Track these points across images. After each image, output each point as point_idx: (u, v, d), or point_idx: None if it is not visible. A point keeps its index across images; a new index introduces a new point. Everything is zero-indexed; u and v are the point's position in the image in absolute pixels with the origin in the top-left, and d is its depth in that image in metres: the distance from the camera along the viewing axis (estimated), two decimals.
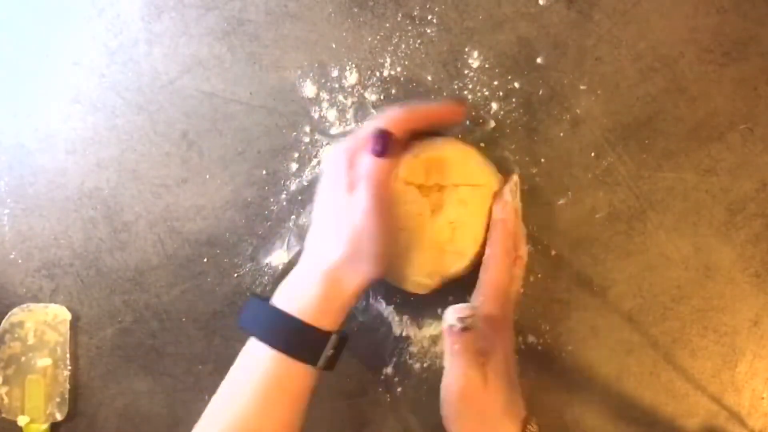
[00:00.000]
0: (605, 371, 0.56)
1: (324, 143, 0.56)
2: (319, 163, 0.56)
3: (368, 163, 0.45)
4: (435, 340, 0.57)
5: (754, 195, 0.56)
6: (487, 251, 0.50)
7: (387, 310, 0.56)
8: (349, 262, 0.45)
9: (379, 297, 0.56)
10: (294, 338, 0.45)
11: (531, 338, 0.56)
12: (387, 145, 0.45)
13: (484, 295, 0.49)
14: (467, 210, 0.51)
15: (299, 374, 0.45)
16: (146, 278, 0.56)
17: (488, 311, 0.48)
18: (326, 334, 0.45)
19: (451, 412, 0.48)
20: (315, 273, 0.46)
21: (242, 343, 0.56)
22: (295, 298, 0.46)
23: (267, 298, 0.47)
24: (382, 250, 0.46)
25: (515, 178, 0.51)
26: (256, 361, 0.45)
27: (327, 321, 0.45)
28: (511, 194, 0.51)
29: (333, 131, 0.56)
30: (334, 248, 0.45)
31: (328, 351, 0.45)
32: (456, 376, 0.48)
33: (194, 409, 0.56)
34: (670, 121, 0.56)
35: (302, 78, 0.56)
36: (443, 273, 0.51)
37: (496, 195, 0.51)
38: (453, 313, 0.48)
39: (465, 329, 0.47)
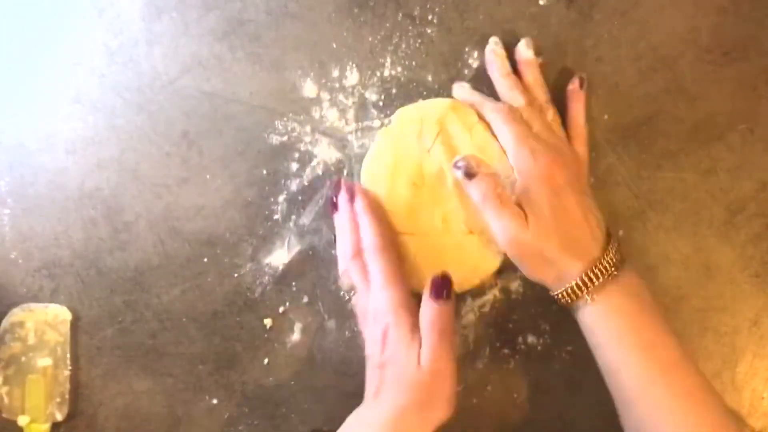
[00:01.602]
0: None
1: (324, 142, 0.56)
2: (319, 163, 0.56)
3: (431, 311, 0.47)
4: None
5: (754, 195, 0.56)
6: (490, 109, 0.52)
7: None
8: (419, 409, 0.45)
9: None
10: None
11: (531, 338, 0.56)
12: (447, 290, 0.47)
13: (507, 151, 0.51)
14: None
15: None
16: (146, 278, 0.56)
17: (513, 159, 0.50)
18: None
19: (512, 258, 0.50)
20: (382, 423, 0.44)
21: (242, 343, 0.56)
22: None
23: None
24: (453, 390, 0.46)
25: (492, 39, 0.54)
26: None
27: None
28: (494, 54, 0.54)
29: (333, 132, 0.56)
30: (401, 398, 0.45)
31: None
32: (492, 223, 0.49)
33: (194, 409, 0.56)
34: (670, 121, 0.56)
35: (302, 78, 0.56)
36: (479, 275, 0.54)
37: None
38: (452, 164, 0.51)
39: (468, 175, 0.49)
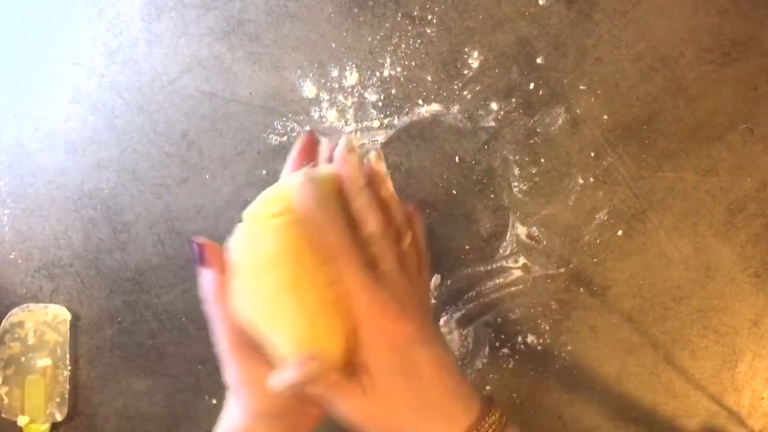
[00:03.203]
0: (605, 371, 0.56)
1: (324, 142, 0.56)
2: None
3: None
4: None
5: (754, 195, 0.56)
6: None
7: None
8: (268, 416, 0.40)
9: None
10: None
11: (531, 338, 0.56)
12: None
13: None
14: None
15: None
16: (146, 278, 0.56)
17: (353, 318, 0.39)
18: None
19: None
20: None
21: None
22: None
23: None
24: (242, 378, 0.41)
25: (344, 139, 0.42)
26: None
27: None
28: (345, 160, 0.41)
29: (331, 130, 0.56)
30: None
31: None
32: (340, 413, 0.39)
33: (194, 409, 0.56)
34: (670, 121, 0.56)
35: (302, 78, 0.56)
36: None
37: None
38: (278, 375, 0.38)
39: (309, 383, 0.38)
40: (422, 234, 0.43)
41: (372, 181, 0.42)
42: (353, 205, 0.41)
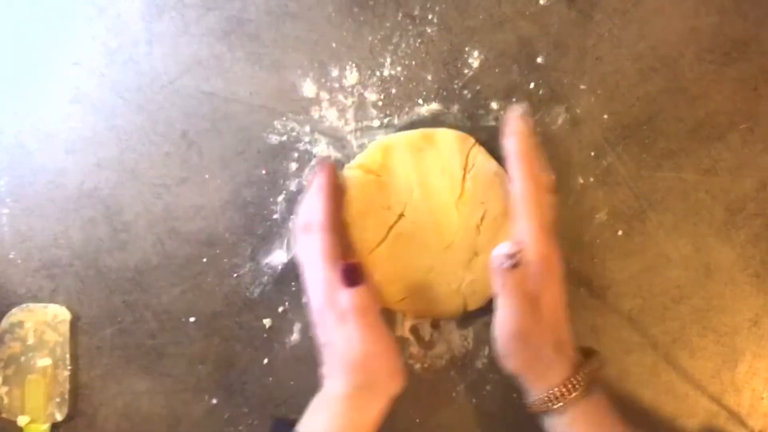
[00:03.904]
0: (605, 371, 0.56)
1: (324, 142, 0.56)
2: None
3: (347, 298, 0.46)
4: (433, 343, 0.57)
5: (754, 195, 0.56)
6: (516, 189, 0.48)
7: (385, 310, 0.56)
8: (365, 390, 0.46)
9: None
10: None
11: None
12: (357, 276, 0.46)
13: (529, 235, 0.47)
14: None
15: None
16: (146, 278, 0.56)
17: (535, 249, 0.47)
18: None
19: (506, 350, 0.48)
20: (335, 403, 0.46)
21: (242, 343, 0.56)
22: (320, 429, 0.46)
23: (291, 423, 0.47)
24: (394, 364, 0.47)
25: (521, 107, 0.51)
26: None
27: None
28: (522, 121, 0.50)
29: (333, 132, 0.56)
30: (346, 380, 0.46)
31: None
32: (508, 314, 0.47)
33: (194, 409, 0.56)
34: (670, 121, 0.56)
35: (302, 78, 0.56)
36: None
37: (506, 129, 0.50)
38: (501, 251, 0.47)
39: (514, 266, 0.47)
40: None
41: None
42: (531, 164, 0.49)
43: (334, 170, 0.51)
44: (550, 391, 0.46)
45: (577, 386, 0.46)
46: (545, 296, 0.47)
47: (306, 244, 0.49)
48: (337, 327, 0.46)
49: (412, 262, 0.52)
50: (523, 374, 0.48)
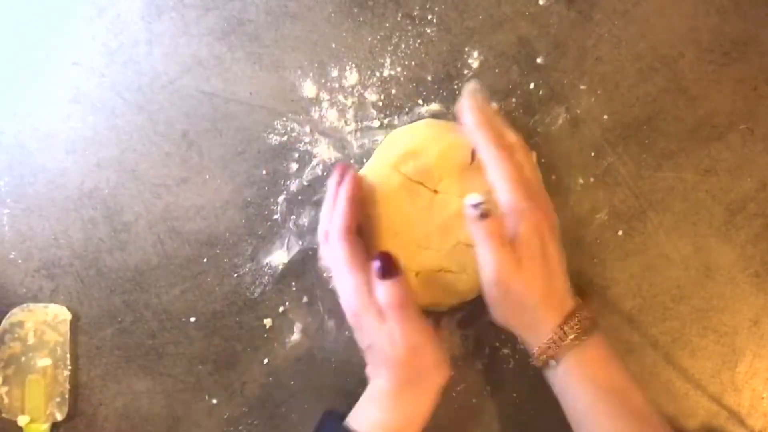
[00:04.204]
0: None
1: (324, 142, 0.56)
2: (318, 163, 0.56)
3: (383, 291, 0.46)
4: None
5: (754, 195, 0.56)
6: (482, 155, 0.49)
7: None
8: (412, 384, 0.46)
9: None
10: None
11: None
12: (392, 267, 0.46)
13: (500, 189, 0.48)
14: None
15: None
16: (146, 278, 0.56)
17: (507, 199, 0.47)
18: None
19: (490, 299, 0.48)
20: (386, 399, 0.47)
21: (242, 343, 0.56)
22: (371, 423, 0.46)
23: (341, 416, 0.48)
24: (438, 356, 0.47)
25: (473, 84, 0.52)
26: None
27: None
28: (471, 96, 0.51)
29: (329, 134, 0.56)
30: (393, 377, 0.46)
31: None
32: (486, 261, 0.47)
33: (194, 409, 0.56)
34: (670, 121, 0.56)
35: (302, 78, 0.56)
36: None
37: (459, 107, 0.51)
38: (468, 201, 0.48)
39: (483, 216, 0.47)
40: (527, 161, 0.51)
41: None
42: (490, 128, 0.49)
43: (359, 180, 0.51)
44: (542, 343, 0.47)
45: (564, 337, 0.46)
46: (524, 248, 0.47)
47: (331, 253, 0.49)
48: (377, 327, 0.46)
49: (420, 252, 0.52)
50: (513, 326, 0.49)
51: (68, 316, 0.56)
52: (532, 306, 0.47)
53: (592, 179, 0.56)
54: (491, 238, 0.47)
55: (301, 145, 0.56)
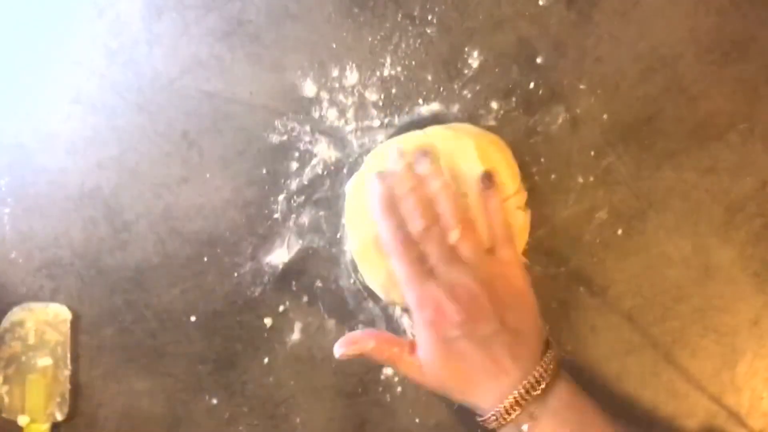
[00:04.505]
0: (605, 371, 0.56)
1: (324, 141, 0.56)
2: (318, 163, 0.56)
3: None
4: None
5: (754, 195, 0.56)
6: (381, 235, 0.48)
7: (386, 310, 0.56)
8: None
9: (378, 297, 0.56)
10: None
11: None
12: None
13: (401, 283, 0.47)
14: None
15: None
16: (147, 278, 0.56)
17: (408, 296, 0.46)
18: None
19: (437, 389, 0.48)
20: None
21: (242, 342, 0.56)
22: None
23: None
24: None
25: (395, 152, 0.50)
26: None
27: None
28: (379, 179, 0.49)
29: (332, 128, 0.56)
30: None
31: None
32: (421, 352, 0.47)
33: (194, 409, 0.57)
34: (670, 121, 0.56)
35: (302, 78, 0.56)
36: None
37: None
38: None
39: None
40: (496, 208, 0.48)
41: (422, 180, 0.48)
42: (401, 207, 0.47)
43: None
44: (498, 407, 0.44)
45: (515, 407, 0.43)
46: (426, 349, 0.45)
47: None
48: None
49: None
50: (461, 398, 0.47)
51: (69, 315, 0.56)
52: (458, 399, 0.47)
53: (591, 179, 0.56)
54: (392, 360, 0.47)
55: (302, 145, 0.56)
